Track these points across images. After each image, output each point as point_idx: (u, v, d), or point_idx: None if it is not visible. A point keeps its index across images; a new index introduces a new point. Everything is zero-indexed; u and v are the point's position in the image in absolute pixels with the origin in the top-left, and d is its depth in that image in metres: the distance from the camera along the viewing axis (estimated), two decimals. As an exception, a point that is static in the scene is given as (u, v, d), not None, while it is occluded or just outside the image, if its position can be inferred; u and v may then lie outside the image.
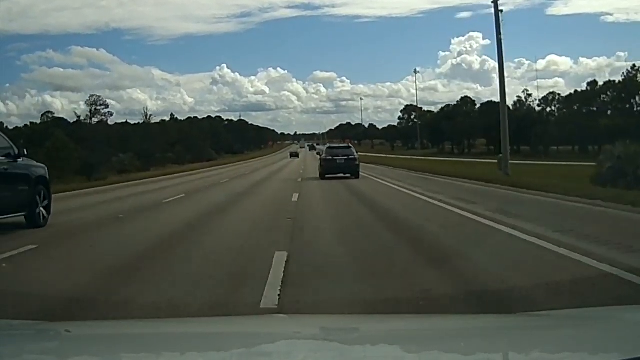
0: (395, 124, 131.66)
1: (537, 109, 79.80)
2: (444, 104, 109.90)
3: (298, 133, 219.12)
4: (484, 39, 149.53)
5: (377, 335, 2.35)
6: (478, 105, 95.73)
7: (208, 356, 2.06)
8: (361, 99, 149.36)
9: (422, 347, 2.12)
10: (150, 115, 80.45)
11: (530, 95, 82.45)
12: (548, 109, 79.43)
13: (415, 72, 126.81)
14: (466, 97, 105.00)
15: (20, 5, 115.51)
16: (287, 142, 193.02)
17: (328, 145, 28.89)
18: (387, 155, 76.46)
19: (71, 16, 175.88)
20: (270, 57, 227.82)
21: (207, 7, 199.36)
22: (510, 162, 24.87)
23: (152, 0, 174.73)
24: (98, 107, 63.32)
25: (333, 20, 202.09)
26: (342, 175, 25.82)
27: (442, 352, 2.03)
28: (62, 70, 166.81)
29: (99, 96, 66.81)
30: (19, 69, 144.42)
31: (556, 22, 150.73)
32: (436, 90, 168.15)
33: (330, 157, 26.65)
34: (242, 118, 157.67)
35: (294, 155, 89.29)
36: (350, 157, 26.42)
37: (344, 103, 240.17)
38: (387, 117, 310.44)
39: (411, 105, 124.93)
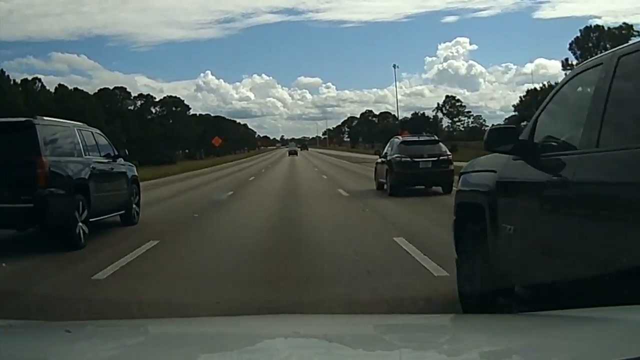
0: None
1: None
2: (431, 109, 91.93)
3: (285, 137, 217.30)
4: (470, 43, 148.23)
5: (377, 335, 2.36)
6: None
7: (208, 356, 2.06)
8: (394, 65, 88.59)
9: (422, 346, 2.12)
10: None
11: None
12: None
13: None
14: None
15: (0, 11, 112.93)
16: (270, 147, 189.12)
17: (401, 139, 17.55)
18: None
19: (53, 22, 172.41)
20: (255, 63, 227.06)
21: (189, 12, 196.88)
22: None
23: (134, 6, 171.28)
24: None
25: (317, 26, 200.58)
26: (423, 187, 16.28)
27: (442, 352, 2.03)
28: (43, 77, 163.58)
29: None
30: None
31: (544, 26, 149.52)
32: (423, 95, 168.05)
33: (408, 159, 15.80)
34: (178, 97, 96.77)
35: (292, 153, 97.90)
36: (442, 157, 16.09)
37: (330, 109, 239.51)
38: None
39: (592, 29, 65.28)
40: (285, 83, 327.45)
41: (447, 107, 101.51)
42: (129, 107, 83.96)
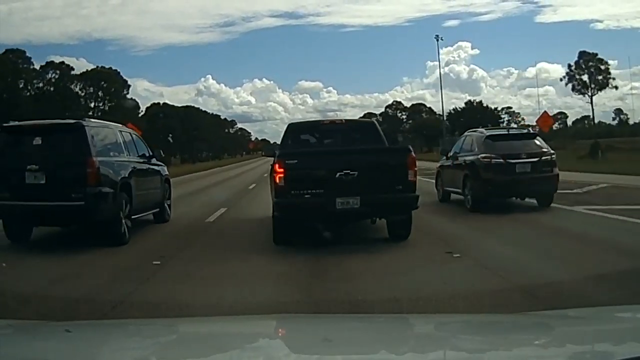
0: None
1: None
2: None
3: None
4: (472, 48, 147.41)
5: (377, 335, 2.35)
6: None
7: (208, 356, 2.06)
8: (437, 37, 63.05)
9: (422, 347, 2.12)
10: None
11: None
12: None
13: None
14: None
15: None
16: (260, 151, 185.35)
17: (485, 133, 12.66)
18: None
19: (52, 25, 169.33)
20: (255, 67, 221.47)
21: (189, 16, 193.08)
22: None
23: (133, 9, 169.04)
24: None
25: (318, 30, 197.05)
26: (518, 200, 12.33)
27: (442, 352, 2.03)
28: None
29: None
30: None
31: (546, 30, 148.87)
32: (424, 100, 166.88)
33: (501, 160, 11.46)
34: (110, 68, 65.38)
35: None
36: (544, 157, 11.70)
37: (331, 114, 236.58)
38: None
39: None
40: (286, 87, 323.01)
41: (584, 71, 60.34)
42: (35, 83, 58.00)
